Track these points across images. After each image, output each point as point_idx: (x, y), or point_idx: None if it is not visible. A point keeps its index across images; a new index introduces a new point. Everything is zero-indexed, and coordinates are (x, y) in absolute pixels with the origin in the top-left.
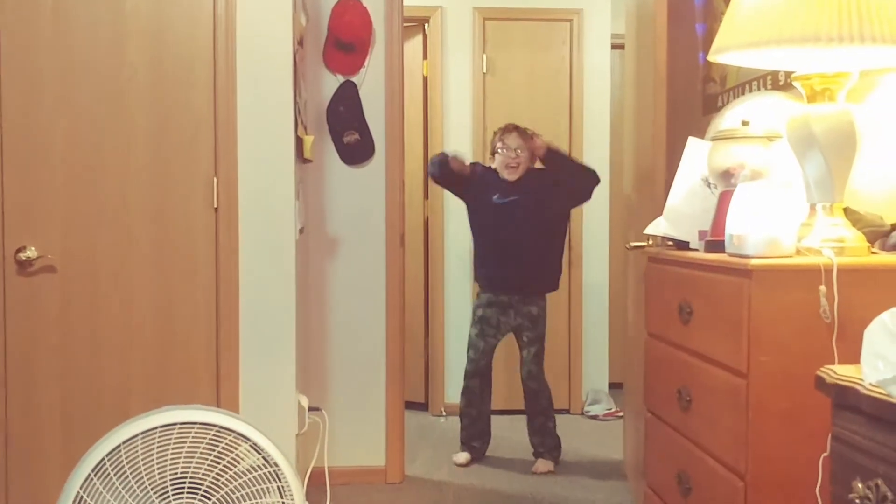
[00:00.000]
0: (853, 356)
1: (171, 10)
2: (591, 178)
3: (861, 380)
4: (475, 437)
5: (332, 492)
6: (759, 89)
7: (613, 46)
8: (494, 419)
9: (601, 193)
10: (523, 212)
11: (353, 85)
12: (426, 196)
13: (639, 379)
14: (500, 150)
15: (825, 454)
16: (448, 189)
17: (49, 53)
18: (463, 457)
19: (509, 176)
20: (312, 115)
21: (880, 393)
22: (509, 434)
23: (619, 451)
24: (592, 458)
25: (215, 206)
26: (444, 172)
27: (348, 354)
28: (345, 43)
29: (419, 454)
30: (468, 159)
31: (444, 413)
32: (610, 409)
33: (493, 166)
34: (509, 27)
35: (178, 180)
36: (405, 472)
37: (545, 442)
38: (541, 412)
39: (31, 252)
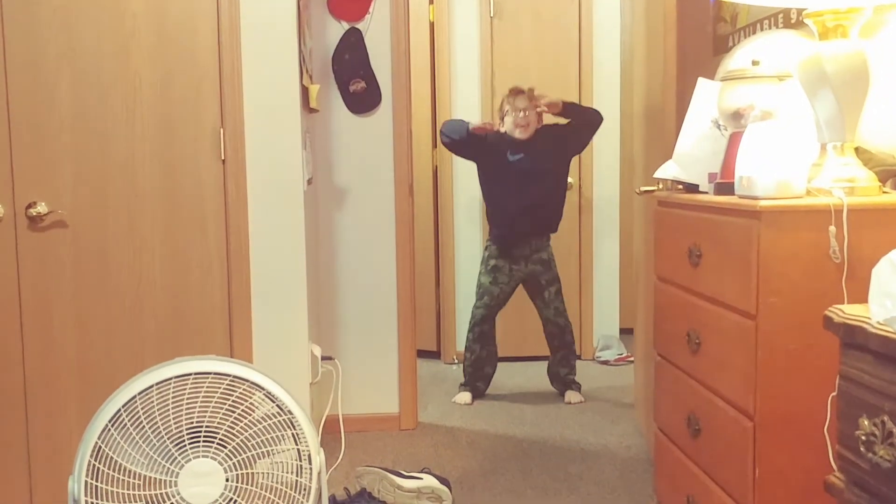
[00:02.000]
0: (863, 296)
1: None
2: (598, 119)
3: (869, 319)
4: (481, 378)
5: (347, 438)
6: (770, 28)
7: None
8: (503, 365)
9: (612, 137)
10: (536, 168)
11: (359, 32)
12: (434, 145)
13: (648, 323)
14: (509, 112)
15: (833, 394)
16: (459, 154)
17: (48, 6)
18: (467, 397)
19: (521, 135)
20: (318, 63)
21: (888, 331)
22: (520, 380)
23: (630, 395)
24: (604, 403)
25: (223, 157)
26: (462, 140)
27: (360, 304)
28: None
29: (432, 401)
30: (483, 122)
31: (455, 360)
32: (621, 354)
33: (503, 129)
34: None
35: (185, 132)
36: (418, 419)
37: (571, 374)
38: (567, 346)
39: (41, 207)
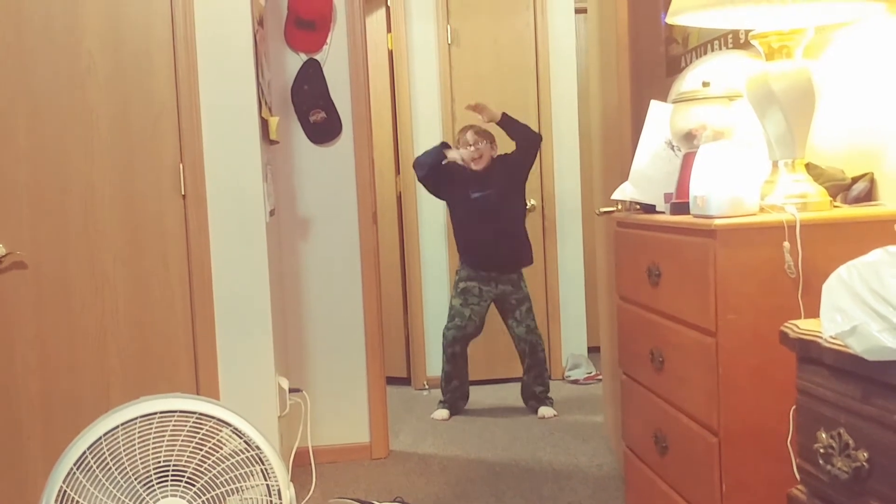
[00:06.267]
0: (819, 310)
1: None
2: (537, 137)
3: (821, 333)
4: (459, 396)
5: (318, 470)
6: (720, 49)
7: (577, 10)
8: (474, 388)
9: (572, 158)
10: (498, 200)
11: (317, 63)
12: (398, 171)
13: (613, 342)
14: (462, 148)
15: (794, 407)
16: (433, 192)
17: (3, 44)
18: (444, 413)
19: (476, 167)
20: (277, 95)
21: (839, 345)
22: (491, 402)
23: (600, 413)
24: (574, 422)
25: (183, 192)
26: (434, 171)
27: (327, 334)
28: (305, 20)
29: (403, 428)
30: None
31: (426, 386)
32: (590, 373)
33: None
34: None
35: (144, 169)
36: (390, 447)
37: (545, 390)
38: (540, 363)
39: None
